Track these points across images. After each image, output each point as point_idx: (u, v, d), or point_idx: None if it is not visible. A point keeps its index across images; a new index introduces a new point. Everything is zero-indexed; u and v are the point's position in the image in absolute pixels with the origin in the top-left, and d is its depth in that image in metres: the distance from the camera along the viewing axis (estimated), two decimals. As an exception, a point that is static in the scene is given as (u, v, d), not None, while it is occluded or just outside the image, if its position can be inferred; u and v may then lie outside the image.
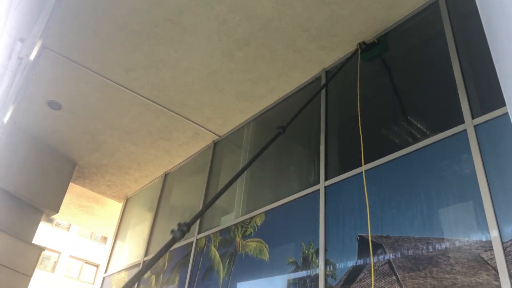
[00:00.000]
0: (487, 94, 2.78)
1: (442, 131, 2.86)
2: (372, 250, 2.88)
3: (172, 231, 2.16)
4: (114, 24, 4.16)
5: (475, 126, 2.66)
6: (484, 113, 2.65)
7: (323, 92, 4.20)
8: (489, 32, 1.00)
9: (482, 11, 1.03)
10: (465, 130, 2.70)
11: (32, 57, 3.83)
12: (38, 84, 5.11)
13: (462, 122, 2.75)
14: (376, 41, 3.79)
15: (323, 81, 4.26)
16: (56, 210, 6.31)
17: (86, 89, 5.10)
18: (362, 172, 3.26)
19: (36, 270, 6.06)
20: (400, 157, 3.06)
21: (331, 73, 4.29)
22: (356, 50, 3.86)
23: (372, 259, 2.84)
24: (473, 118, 2.71)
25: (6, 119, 5.29)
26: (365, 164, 3.26)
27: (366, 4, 3.61)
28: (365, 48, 3.84)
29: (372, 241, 2.92)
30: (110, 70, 4.77)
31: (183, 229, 2.13)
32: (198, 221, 5.14)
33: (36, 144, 6.16)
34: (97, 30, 4.25)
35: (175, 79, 4.74)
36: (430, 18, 3.51)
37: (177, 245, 5.34)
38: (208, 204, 2.61)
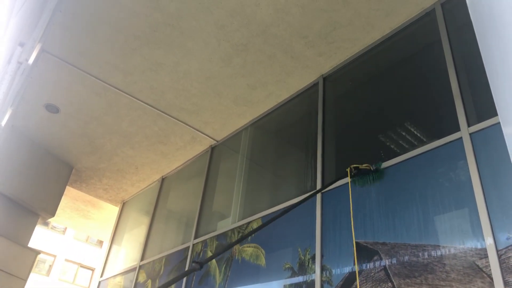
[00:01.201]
0: (483, 102, 2.81)
1: (438, 138, 2.88)
2: (368, 257, 2.89)
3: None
4: (113, 28, 4.17)
5: (470, 134, 2.68)
6: (479, 121, 2.68)
7: (320, 98, 4.22)
8: (482, 46, 1.03)
9: (476, 26, 1.06)
10: (461, 138, 2.72)
11: (31, 61, 3.84)
12: (36, 87, 5.11)
13: (458, 130, 2.77)
14: (371, 168, 3.23)
15: (320, 88, 4.28)
16: (53, 213, 6.29)
17: (84, 92, 5.10)
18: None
19: (31, 274, 6.03)
20: (396, 164, 3.08)
21: (328, 80, 4.31)
22: (346, 174, 3.27)
23: (357, 267, 2.85)
24: (468, 126, 2.73)
25: (3, 122, 5.28)
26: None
27: (363, 11, 3.64)
28: (356, 173, 3.25)
29: (368, 247, 2.93)
30: (108, 74, 4.78)
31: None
32: (194, 226, 5.13)
33: (33, 147, 6.15)
34: (96, 34, 4.27)
35: (174, 83, 4.76)
36: (427, 26, 3.54)
37: (174, 249, 5.33)
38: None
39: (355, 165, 3.24)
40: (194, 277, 4.62)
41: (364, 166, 3.25)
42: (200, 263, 2.16)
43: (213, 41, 4.13)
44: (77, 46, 4.46)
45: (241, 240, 3.16)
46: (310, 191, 3.70)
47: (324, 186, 3.50)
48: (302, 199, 2.99)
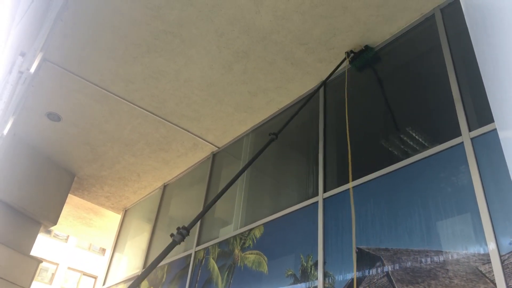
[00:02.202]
0: (483, 107, 2.80)
1: (439, 143, 2.88)
2: (371, 263, 2.88)
3: (172, 235, 2.20)
4: (114, 36, 4.20)
5: (472, 139, 2.68)
6: (480, 126, 2.68)
7: (321, 104, 4.22)
8: (478, 54, 1.04)
9: (472, 35, 1.07)
10: (462, 142, 2.72)
11: (32, 69, 3.87)
12: (38, 96, 5.14)
13: (459, 134, 2.77)
14: (364, 48, 3.88)
15: (321, 94, 4.29)
16: (55, 221, 6.29)
17: (86, 100, 5.12)
18: (361, 183, 3.27)
19: (34, 282, 6.02)
20: (398, 169, 3.07)
21: (329, 85, 4.32)
22: (344, 59, 3.94)
23: (355, 274, 2.84)
24: (470, 130, 2.73)
25: (6, 130, 5.31)
26: (363, 176, 3.27)
27: (363, 18, 3.65)
28: (354, 56, 3.91)
29: (370, 253, 2.92)
30: (109, 82, 4.80)
31: (183, 233, 2.17)
32: (196, 233, 5.12)
33: (35, 155, 6.17)
34: (97, 42, 4.29)
35: (175, 91, 4.77)
36: (427, 31, 3.55)
37: (176, 256, 5.32)
38: (206, 208, 2.63)
39: (350, 49, 3.91)
40: (197, 284, 4.60)
41: (357, 48, 3.91)
42: (276, 134, 2.30)
43: (213, 49, 4.15)
44: (78, 54, 4.48)
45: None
46: (312, 197, 3.70)
47: (327, 77, 4.00)
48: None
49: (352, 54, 3.92)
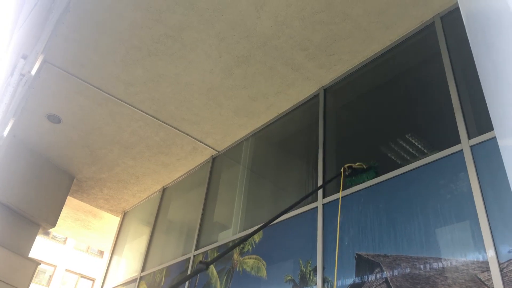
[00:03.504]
0: (483, 115, 2.81)
1: (438, 150, 2.89)
2: (370, 269, 2.88)
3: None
4: (115, 40, 4.21)
5: (471, 147, 2.69)
6: (480, 134, 2.68)
7: (321, 110, 4.23)
8: (478, 62, 1.05)
9: (472, 43, 1.08)
10: (462, 150, 2.73)
11: (33, 71, 3.88)
12: (38, 98, 5.15)
13: (459, 142, 2.77)
14: (364, 166, 3.31)
15: (321, 100, 4.30)
16: (53, 224, 6.28)
17: (86, 103, 5.13)
18: (360, 189, 3.28)
19: (31, 284, 6.00)
20: (397, 176, 3.08)
21: (328, 91, 4.33)
22: (340, 174, 3.38)
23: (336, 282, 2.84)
24: (469, 138, 2.74)
25: (5, 132, 5.31)
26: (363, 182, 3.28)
27: (363, 24, 3.67)
28: (351, 173, 3.35)
29: (369, 259, 2.92)
30: (110, 85, 4.81)
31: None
32: (195, 237, 5.12)
33: (34, 157, 6.17)
34: (98, 45, 4.30)
35: (175, 94, 4.78)
36: (427, 39, 3.57)
37: (174, 260, 5.31)
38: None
39: (348, 164, 3.33)
40: (195, 289, 4.60)
41: (357, 165, 3.33)
42: (206, 263, 2.19)
43: (214, 53, 4.16)
44: (79, 57, 4.49)
45: (244, 240, 3.17)
46: (311, 202, 3.70)
47: (319, 187, 3.60)
48: (302, 198, 3.07)
49: (349, 171, 3.35)
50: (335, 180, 3.50)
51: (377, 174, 3.23)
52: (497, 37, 0.95)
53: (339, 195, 3.30)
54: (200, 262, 2.30)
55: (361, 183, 3.29)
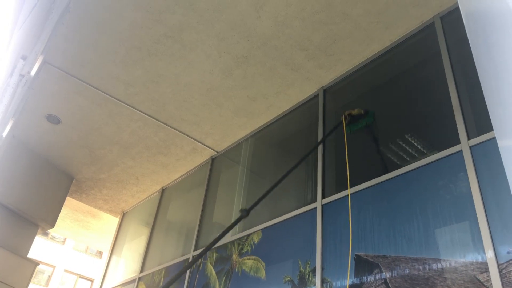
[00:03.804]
0: (483, 115, 2.81)
1: (438, 151, 2.89)
2: (369, 270, 2.88)
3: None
4: (114, 40, 4.21)
5: (470, 147, 2.69)
6: (479, 134, 2.68)
7: (320, 110, 4.23)
8: (477, 62, 1.05)
9: (472, 43, 1.08)
10: (461, 150, 2.73)
11: (33, 72, 3.87)
12: (38, 98, 5.14)
13: (458, 142, 2.77)
14: (362, 112, 3.62)
15: (321, 100, 4.30)
16: (52, 224, 6.27)
17: (85, 103, 5.13)
18: (360, 190, 3.27)
19: (30, 285, 5.99)
20: (396, 176, 3.07)
21: (328, 92, 4.33)
22: (341, 122, 3.63)
23: (348, 281, 2.83)
24: (468, 139, 2.73)
25: (5, 132, 5.30)
26: (362, 183, 3.27)
27: (363, 24, 3.67)
28: (350, 120, 3.63)
29: (368, 260, 2.92)
30: (109, 85, 4.80)
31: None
32: (194, 238, 5.11)
33: (34, 157, 6.16)
34: (97, 45, 4.30)
35: (175, 95, 4.78)
36: (426, 39, 3.57)
37: (173, 261, 5.31)
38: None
39: (348, 112, 3.65)
40: (194, 289, 4.59)
41: (356, 111, 3.64)
42: (247, 210, 2.27)
43: (214, 53, 4.16)
44: (79, 57, 4.49)
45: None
46: (310, 203, 3.70)
47: (322, 139, 3.84)
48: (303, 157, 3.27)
49: (349, 117, 3.64)
50: (334, 177, 3.50)
51: (374, 118, 3.57)
52: (497, 37, 0.95)
53: (348, 191, 3.28)
54: (241, 209, 2.38)
55: (361, 127, 3.59)
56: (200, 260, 4.79)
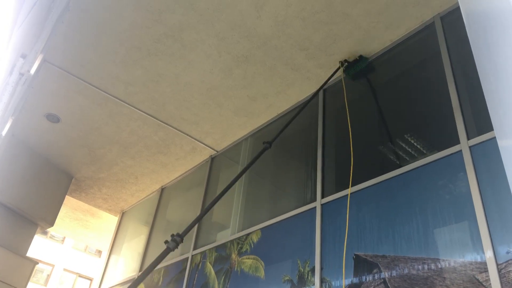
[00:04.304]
0: (482, 115, 2.82)
1: (437, 151, 2.89)
2: (368, 269, 2.88)
3: (166, 242, 2.22)
4: (114, 39, 4.20)
5: (470, 147, 2.69)
6: (479, 134, 2.69)
7: (320, 110, 4.23)
8: (478, 61, 1.05)
9: (472, 42, 1.08)
10: (461, 150, 2.73)
11: (32, 71, 3.87)
12: (38, 97, 5.14)
13: (458, 142, 2.78)
14: (358, 58, 3.94)
15: (320, 99, 4.30)
16: (52, 223, 6.27)
17: (85, 102, 5.12)
18: (360, 189, 3.28)
19: (29, 283, 5.99)
20: (396, 176, 3.08)
21: (328, 90, 4.33)
22: (338, 68, 3.98)
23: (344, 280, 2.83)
24: (468, 139, 2.74)
25: (4, 131, 5.29)
26: (363, 182, 3.28)
27: (363, 24, 3.67)
28: (348, 65, 3.97)
29: (368, 260, 2.92)
30: (109, 84, 4.80)
31: (176, 240, 2.19)
32: (194, 236, 5.11)
33: (33, 156, 6.15)
34: (97, 44, 4.30)
35: (174, 94, 4.78)
36: (427, 39, 3.57)
37: (172, 260, 5.31)
38: (200, 215, 2.66)
39: (344, 59, 3.97)
40: (193, 289, 4.59)
41: (351, 58, 3.97)
42: (270, 143, 2.32)
43: (214, 53, 4.16)
44: (79, 56, 4.49)
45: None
46: (310, 202, 3.70)
47: (318, 88, 4.02)
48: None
49: (346, 64, 3.98)
50: (334, 176, 3.50)
51: (368, 60, 3.93)
52: (498, 37, 0.95)
53: (348, 191, 3.29)
54: (264, 142, 2.46)
55: (358, 70, 3.94)
56: (199, 259, 4.79)
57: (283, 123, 4.81)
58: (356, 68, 3.95)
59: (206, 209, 2.78)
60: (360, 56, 3.94)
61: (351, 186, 3.31)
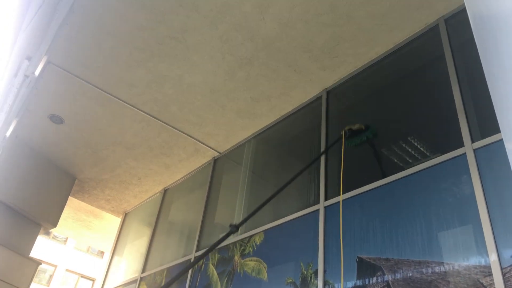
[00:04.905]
0: (487, 118, 2.81)
1: (441, 153, 2.88)
2: (372, 272, 2.87)
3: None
4: (118, 41, 4.21)
5: (474, 150, 2.68)
6: (483, 137, 2.68)
7: (323, 112, 4.23)
8: (485, 63, 1.05)
9: (479, 44, 1.08)
10: (465, 153, 2.72)
11: (37, 72, 3.89)
12: (41, 98, 5.15)
13: (462, 145, 2.77)
14: (363, 127, 3.52)
15: (324, 102, 4.29)
16: (55, 224, 6.28)
17: (89, 104, 5.14)
18: (362, 192, 3.27)
19: (31, 284, 6.00)
20: (400, 179, 3.07)
21: (332, 94, 4.33)
22: (341, 137, 3.56)
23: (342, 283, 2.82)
24: (472, 142, 2.73)
25: (8, 133, 5.31)
26: (366, 184, 3.27)
27: (367, 27, 3.66)
28: (350, 134, 3.54)
29: (371, 263, 2.91)
30: (113, 86, 4.81)
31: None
32: (196, 239, 5.11)
33: (36, 157, 6.17)
34: (101, 46, 4.31)
35: (178, 96, 4.78)
36: (431, 41, 3.56)
37: (175, 261, 5.31)
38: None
39: (348, 127, 3.56)
40: (196, 290, 4.59)
41: (356, 126, 3.55)
42: (237, 226, 2.27)
43: (217, 55, 4.16)
44: (83, 58, 4.50)
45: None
46: (313, 205, 3.69)
47: (321, 153, 3.80)
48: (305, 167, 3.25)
49: (349, 133, 3.55)
50: (337, 179, 3.49)
51: (375, 134, 3.47)
52: (507, 40, 0.95)
53: (340, 198, 3.30)
54: (231, 225, 2.38)
55: (361, 142, 3.50)
56: (202, 261, 4.79)
57: (286, 125, 4.82)
58: (362, 138, 3.51)
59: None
60: (367, 126, 3.52)
61: (350, 190, 3.31)
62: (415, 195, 2.91)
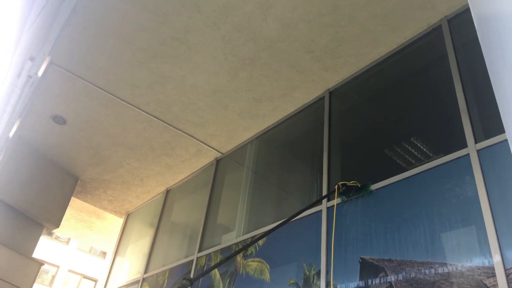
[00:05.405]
0: (490, 119, 2.80)
1: (445, 154, 2.87)
2: (374, 273, 2.86)
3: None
4: (121, 42, 4.22)
5: (478, 151, 2.67)
6: (487, 138, 2.67)
7: (326, 112, 4.22)
8: (489, 63, 1.04)
9: (483, 44, 1.07)
10: (468, 154, 2.71)
11: (40, 73, 3.89)
12: (44, 99, 5.17)
13: (465, 146, 2.76)
14: (359, 185, 3.32)
15: (326, 103, 4.29)
16: (57, 224, 6.29)
17: (91, 104, 5.15)
18: (364, 193, 3.26)
19: (34, 284, 6.01)
20: (403, 179, 3.06)
21: (334, 94, 4.32)
22: (334, 191, 3.43)
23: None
24: (476, 142, 2.72)
25: (11, 133, 5.32)
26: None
27: (370, 27, 3.66)
28: (345, 190, 3.37)
29: (374, 263, 2.91)
30: (115, 86, 4.82)
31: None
32: (199, 239, 5.11)
33: (39, 158, 6.18)
34: (104, 47, 4.32)
35: (180, 96, 4.79)
36: (434, 42, 3.55)
37: (177, 262, 5.31)
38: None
39: (342, 182, 3.38)
40: (198, 291, 4.58)
41: (351, 183, 3.35)
42: (190, 280, 2.21)
43: (219, 55, 4.16)
44: (86, 58, 4.51)
45: (230, 257, 3.20)
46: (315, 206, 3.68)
47: (314, 201, 3.59)
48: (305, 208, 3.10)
49: (343, 188, 3.38)
50: (340, 179, 3.49)
51: (371, 192, 3.25)
52: (510, 36, 0.94)
53: (334, 202, 3.29)
54: (184, 278, 2.32)
55: (354, 198, 3.32)
56: (204, 262, 4.79)
57: (288, 126, 4.82)
58: (353, 196, 3.35)
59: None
60: (363, 185, 3.30)
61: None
62: (418, 195, 2.90)
